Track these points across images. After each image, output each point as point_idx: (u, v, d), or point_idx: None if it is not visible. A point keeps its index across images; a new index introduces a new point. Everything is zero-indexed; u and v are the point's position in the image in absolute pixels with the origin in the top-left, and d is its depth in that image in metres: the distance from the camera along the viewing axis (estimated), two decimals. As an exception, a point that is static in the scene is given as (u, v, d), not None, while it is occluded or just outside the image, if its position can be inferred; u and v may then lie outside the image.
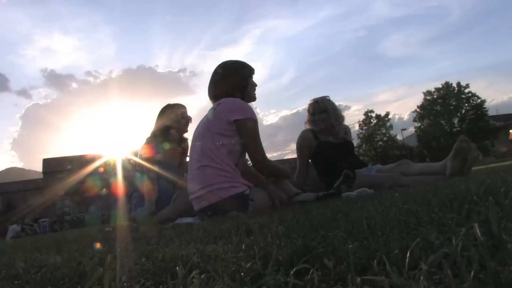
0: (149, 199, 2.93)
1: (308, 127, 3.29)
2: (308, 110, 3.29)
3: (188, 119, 3.28)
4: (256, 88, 2.47)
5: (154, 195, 2.97)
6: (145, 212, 2.84)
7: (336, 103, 3.38)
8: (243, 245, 0.74)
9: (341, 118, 3.30)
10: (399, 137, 44.80)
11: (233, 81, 2.35)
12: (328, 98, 3.34)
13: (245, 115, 2.18)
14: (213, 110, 2.25)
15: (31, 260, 1.03)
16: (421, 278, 0.39)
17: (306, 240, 0.67)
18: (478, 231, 0.42)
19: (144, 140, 3.24)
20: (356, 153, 3.72)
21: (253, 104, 2.44)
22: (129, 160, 3.83)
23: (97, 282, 0.58)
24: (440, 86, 42.06)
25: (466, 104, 40.96)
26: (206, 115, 2.34)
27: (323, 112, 3.21)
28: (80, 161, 33.96)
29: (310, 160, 3.24)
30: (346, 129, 3.38)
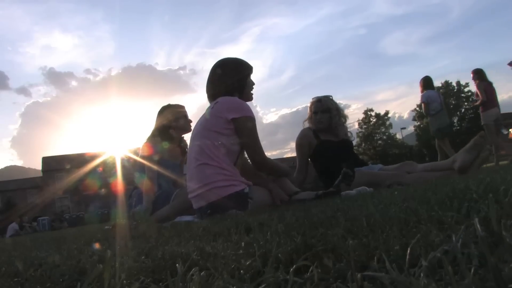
0: (147, 198, 2.93)
1: (308, 125, 3.27)
2: (310, 108, 3.26)
3: (188, 119, 3.29)
4: (255, 86, 2.45)
5: (152, 193, 2.97)
6: (143, 210, 2.84)
7: (336, 102, 3.37)
8: (243, 243, 0.74)
9: (345, 118, 3.28)
10: (398, 136, 44.88)
11: (232, 80, 2.32)
12: (331, 97, 3.32)
13: (243, 113, 2.17)
14: (211, 109, 2.24)
15: (31, 257, 1.03)
16: (422, 275, 0.39)
17: (306, 238, 0.67)
18: (478, 226, 0.42)
19: (144, 140, 3.25)
20: (355, 151, 3.72)
21: (253, 103, 2.42)
22: (128, 158, 3.84)
23: (96, 280, 0.58)
24: (440, 85, 42.14)
25: (465, 103, 41.00)
26: (204, 114, 2.33)
27: (326, 112, 3.18)
28: (80, 160, 33.95)
29: (309, 159, 3.23)
30: (348, 131, 3.35)
